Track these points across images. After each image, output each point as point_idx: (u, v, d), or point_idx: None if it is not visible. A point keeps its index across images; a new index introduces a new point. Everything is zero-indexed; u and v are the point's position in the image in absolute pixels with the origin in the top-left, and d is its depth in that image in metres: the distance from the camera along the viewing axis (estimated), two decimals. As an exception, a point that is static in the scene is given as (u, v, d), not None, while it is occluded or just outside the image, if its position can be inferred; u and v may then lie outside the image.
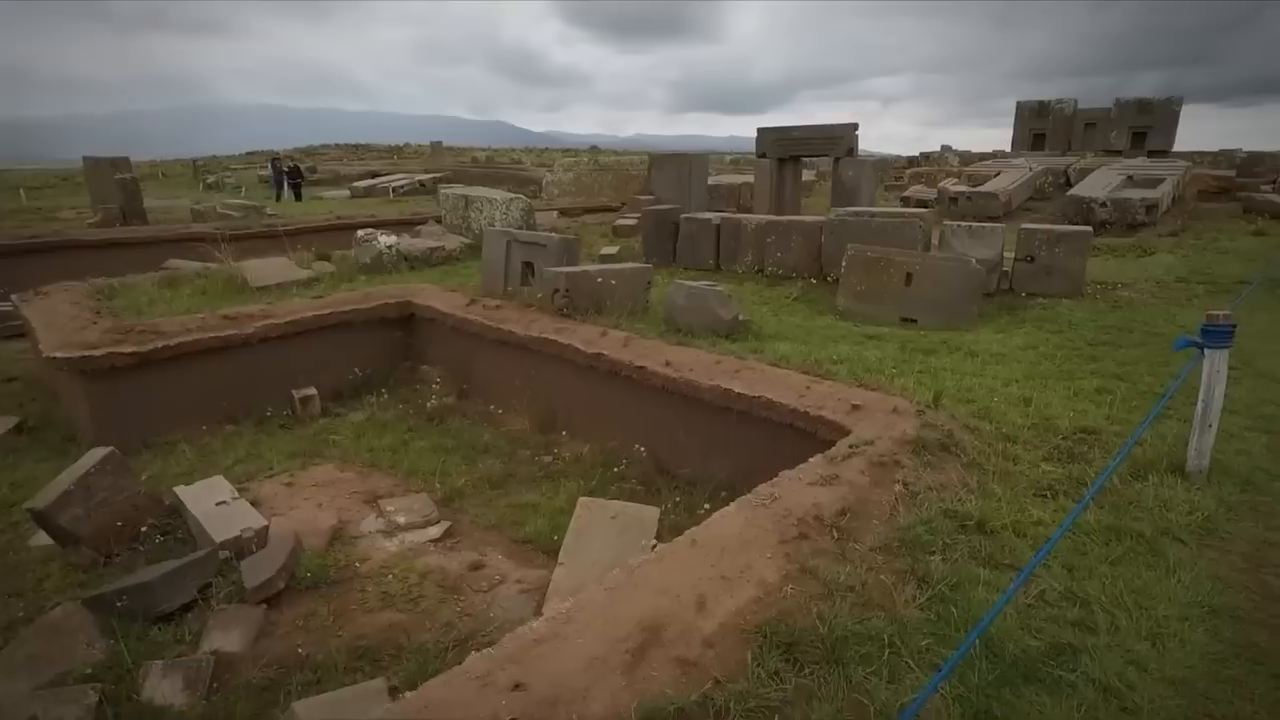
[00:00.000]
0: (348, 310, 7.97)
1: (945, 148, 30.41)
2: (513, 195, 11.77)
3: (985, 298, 8.03)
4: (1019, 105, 18.76)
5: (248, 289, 9.44)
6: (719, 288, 6.86)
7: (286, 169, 24.95)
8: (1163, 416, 4.60)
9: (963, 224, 8.37)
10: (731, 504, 3.46)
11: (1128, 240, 11.51)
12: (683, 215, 10.38)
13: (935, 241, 8.50)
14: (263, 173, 36.85)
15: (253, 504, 5.27)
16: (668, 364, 5.76)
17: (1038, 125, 18.52)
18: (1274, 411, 4.96)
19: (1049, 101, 18.19)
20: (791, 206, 13.13)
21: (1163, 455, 4.03)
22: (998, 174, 15.08)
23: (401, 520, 4.98)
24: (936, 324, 7.34)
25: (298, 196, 24.00)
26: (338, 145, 59.38)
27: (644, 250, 10.83)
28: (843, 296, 7.96)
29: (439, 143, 51.88)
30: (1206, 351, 3.76)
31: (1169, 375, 5.57)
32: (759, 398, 5.05)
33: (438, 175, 32.18)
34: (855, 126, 11.81)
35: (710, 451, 5.60)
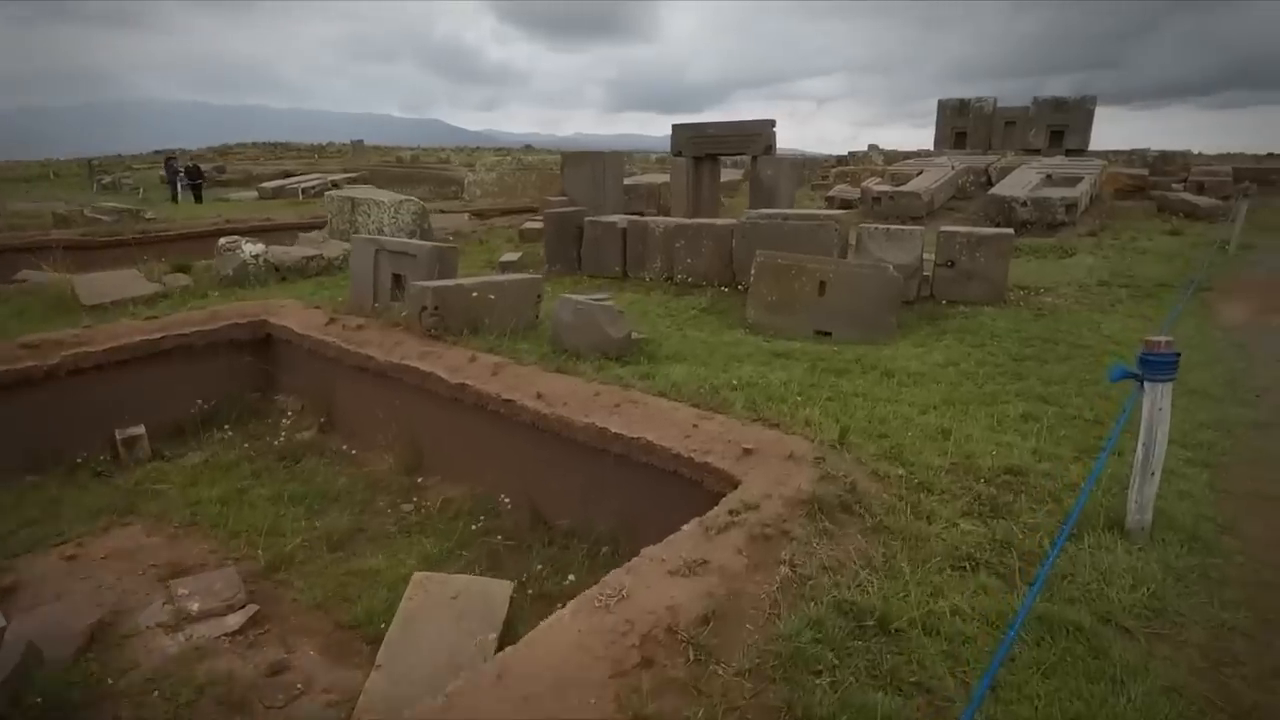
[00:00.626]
0: (188, 333, 6.84)
1: (873, 147, 30.50)
2: (403, 197, 10.72)
3: (905, 306, 7.46)
4: (941, 104, 18.62)
5: (78, 307, 8.17)
6: (609, 302, 6.04)
7: (184, 169, 23.03)
8: (1096, 451, 4.00)
9: (880, 227, 7.79)
10: (567, 608, 2.63)
11: (1049, 240, 11.24)
12: (587, 218, 9.54)
13: (853, 244, 7.90)
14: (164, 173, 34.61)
15: (9, 590, 4.19)
16: (540, 396, 4.90)
17: (959, 123, 18.43)
18: (1212, 437, 4.44)
19: (969, 100, 18.10)
20: (709, 208, 12.45)
21: (1099, 507, 3.39)
22: (920, 173, 14.76)
23: (195, 607, 3.98)
24: (853, 337, 6.70)
25: (198, 198, 22.27)
26: (256, 144, 56.29)
27: (547, 256, 9.95)
28: (752, 308, 7.26)
29: (360, 141, 49.77)
30: (1146, 385, 3.12)
31: (1098, 396, 5.02)
32: (638, 440, 4.24)
33: (353, 175, 30.52)
34: (772, 123, 11.20)
35: (590, 499, 4.77)
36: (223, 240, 9.21)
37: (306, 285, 9.04)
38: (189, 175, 22.70)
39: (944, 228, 7.70)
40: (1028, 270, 9.44)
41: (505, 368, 5.37)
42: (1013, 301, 7.58)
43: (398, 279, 7.04)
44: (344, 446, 6.30)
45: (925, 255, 7.82)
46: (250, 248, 9.10)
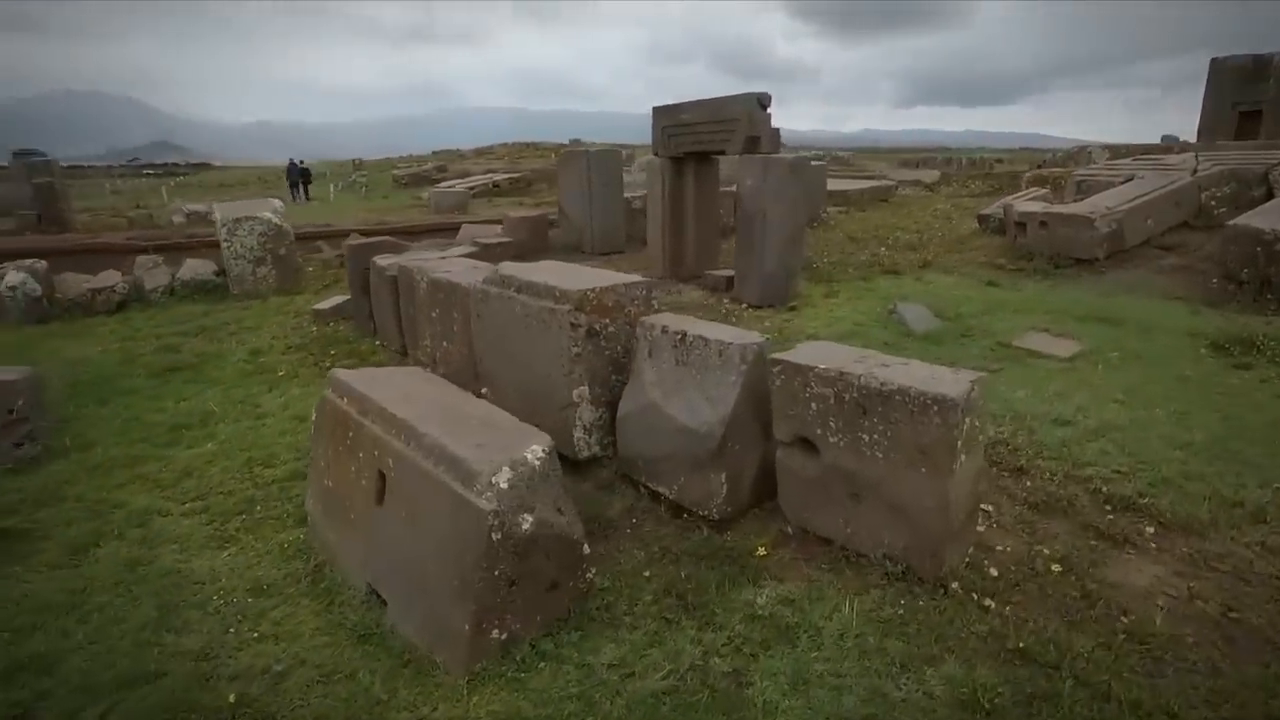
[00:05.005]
0: None
1: (1167, 138, 21.85)
2: (248, 216, 8.15)
3: (619, 534, 2.98)
4: (1215, 66, 10.99)
5: None
6: None
7: (300, 171, 25.50)
8: None
9: (673, 329, 3.26)
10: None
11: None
12: (374, 258, 6.08)
13: (647, 355, 3.46)
14: (396, 173, 38.32)
15: None
16: None
17: (1248, 97, 10.81)
18: None
19: (1270, 56, 10.38)
20: (701, 242, 8.06)
21: None
22: (1129, 180, 8.58)
23: None
24: (409, 629, 2.55)
25: (306, 197, 24.59)
26: (511, 144, 60.12)
27: (353, 309, 6.69)
28: (311, 495, 3.34)
29: (577, 140, 50.61)
30: None
31: None
32: None
33: (514, 176, 29.76)
34: (758, 100, 6.57)
35: None
36: (-10, 265, 7.48)
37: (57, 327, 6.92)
38: (302, 176, 24.16)
39: (785, 356, 2.89)
40: (1189, 427, 3.97)
41: None
42: (976, 585, 2.61)
43: None
44: None
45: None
46: (14, 276, 7.22)
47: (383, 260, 5.85)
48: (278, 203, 9.07)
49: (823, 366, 2.66)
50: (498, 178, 28.74)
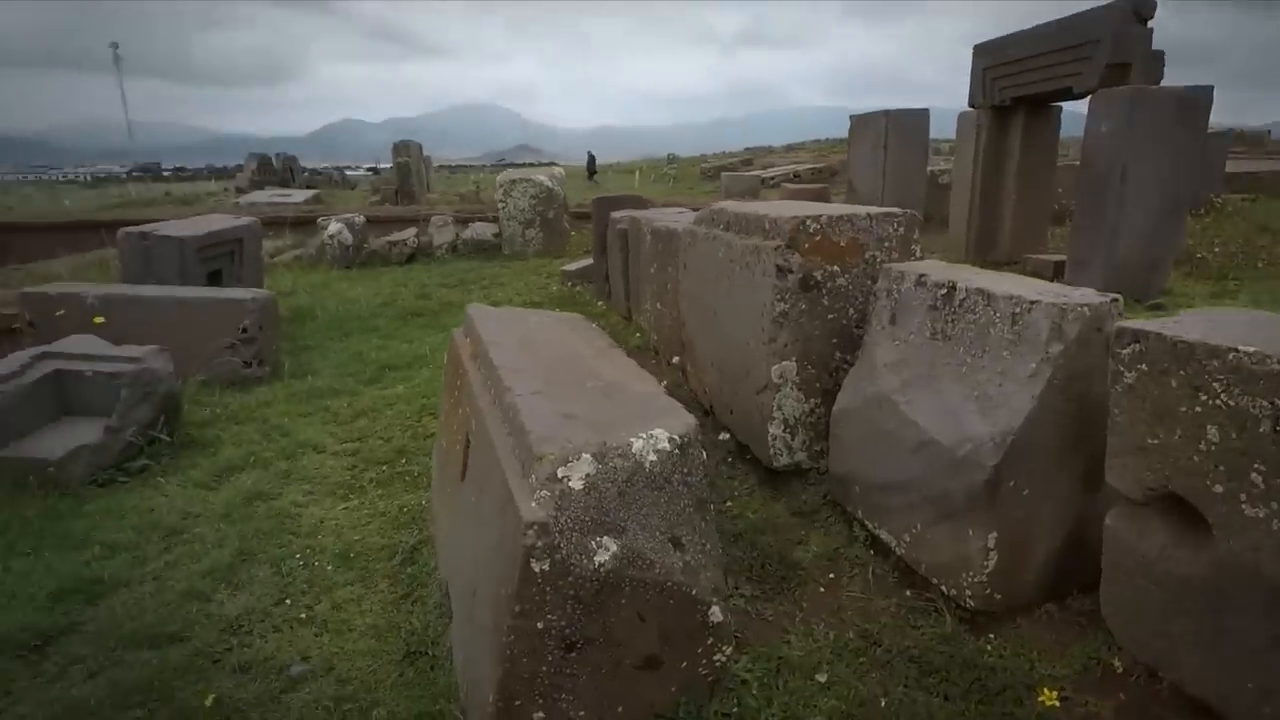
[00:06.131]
0: None
1: None
2: (523, 178, 8.23)
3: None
4: None
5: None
6: None
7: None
8: None
9: (937, 282, 1.98)
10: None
11: None
12: (611, 213, 5.49)
13: (888, 321, 2.24)
14: (705, 165, 39.99)
15: None
16: None
17: None
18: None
19: None
20: (1023, 218, 6.17)
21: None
22: None
23: None
24: (459, 662, 1.78)
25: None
26: (824, 140, 58.78)
27: (594, 270, 6.24)
28: (435, 455, 2.73)
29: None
30: None
31: None
32: None
33: (816, 167, 28.28)
34: (1139, 9, 4.51)
35: None
36: (321, 218, 8.54)
37: (362, 274, 7.65)
38: (591, 163, 28.02)
39: (1149, 324, 1.43)
40: None
41: None
42: None
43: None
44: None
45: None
46: (334, 226, 8.16)
47: (617, 214, 5.26)
48: (559, 170, 9.18)
49: (1249, 349, 1.24)
50: (799, 168, 27.66)
